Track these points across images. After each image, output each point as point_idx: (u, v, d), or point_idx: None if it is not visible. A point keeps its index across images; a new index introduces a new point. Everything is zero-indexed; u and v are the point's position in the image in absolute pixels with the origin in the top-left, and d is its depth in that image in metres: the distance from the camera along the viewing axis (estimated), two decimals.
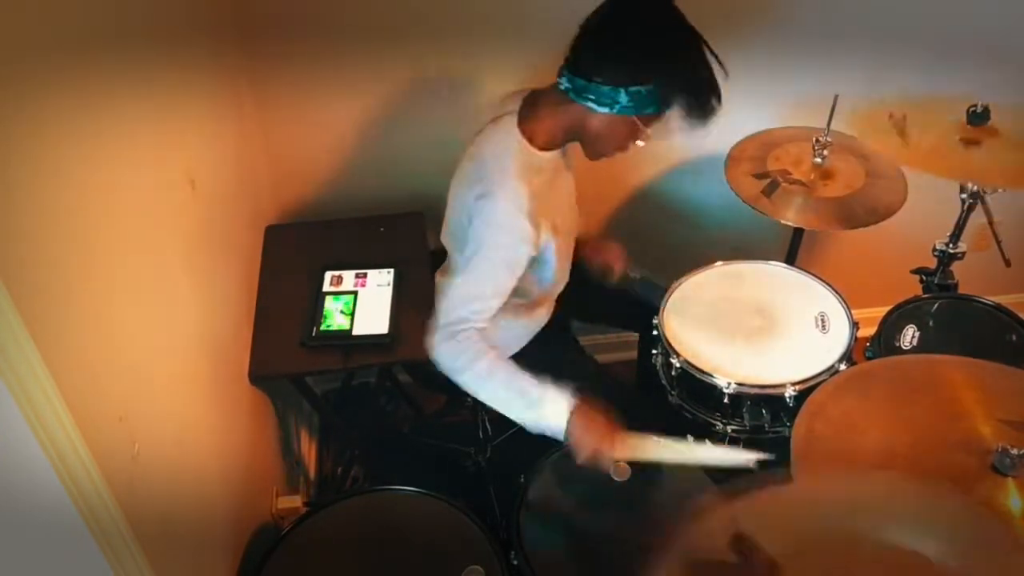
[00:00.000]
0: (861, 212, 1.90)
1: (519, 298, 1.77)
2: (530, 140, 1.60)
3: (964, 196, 1.93)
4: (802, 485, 1.18)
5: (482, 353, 1.59)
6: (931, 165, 1.77)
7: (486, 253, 1.59)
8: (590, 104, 1.51)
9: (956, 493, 1.04)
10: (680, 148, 2.28)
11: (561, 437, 1.55)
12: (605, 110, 1.51)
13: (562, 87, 1.53)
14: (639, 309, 1.87)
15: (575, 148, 1.69)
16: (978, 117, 1.70)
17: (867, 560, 0.99)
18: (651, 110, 1.51)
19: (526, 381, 1.58)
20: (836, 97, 1.91)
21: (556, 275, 1.77)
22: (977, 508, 1.04)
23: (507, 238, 1.58)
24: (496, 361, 1.60)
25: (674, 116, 1.53)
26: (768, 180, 1.99)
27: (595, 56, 1.49)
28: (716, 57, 1.51)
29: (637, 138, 1.57)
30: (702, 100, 1.50)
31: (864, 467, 1.15)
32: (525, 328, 1.86)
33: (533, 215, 1.57)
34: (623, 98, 1.49)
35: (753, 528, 1.02)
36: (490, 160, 1.60)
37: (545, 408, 1.56)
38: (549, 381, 1.58)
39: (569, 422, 1.54)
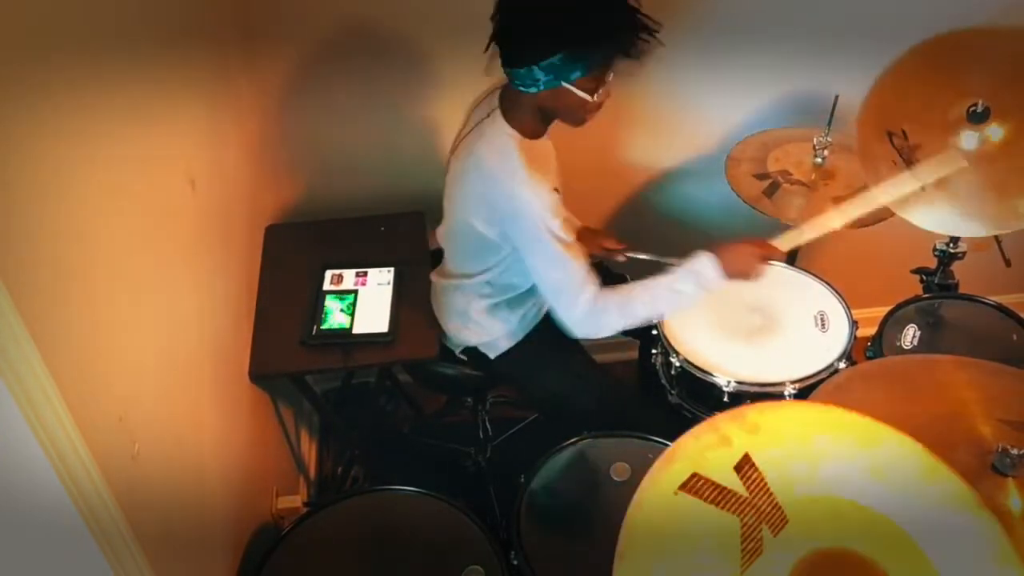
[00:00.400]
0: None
1: (510, 292, 1.79)
2: (522, 133, 1.62)
3: None
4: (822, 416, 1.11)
5: (622, 302, 1.64)
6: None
7: (547, 235, 1.59)
8: (520, 87, 1.54)
9: (973, 493, 1.02)
10: (681, 148, 2.28)
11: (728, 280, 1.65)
12: (534, 89, 1.52)
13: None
14: None
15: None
16: (978, 117, 1.69)
17: (864, 533, 0.98)
18: (577, 74, 1.50)
19: (667, 282, 1.65)
20: (836, 97, 1.91)
21: None
22: (990, 515, 1.02)
23: (555, 217, 1.59)
24: (634, 294, 1.66)
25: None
26: (769, 181, 1.99)
27: (504, 43, 1.51)
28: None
29: (593, 98, 1.54)
30: (625, 41, 1.48)
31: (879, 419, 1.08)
32: (521, 321, 1.85)
33: (552, 187, 1.60)
34: (540, 74, 1.49)
35: (761, 461, 0.99)
36: (497, 166, 1.59)
37: (702, 281, 1.64)
38: (677, 267, 1.68)
39: (722, 268, 1.63)
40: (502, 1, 1.51)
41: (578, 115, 1.60)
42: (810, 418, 1.07)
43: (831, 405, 1.08)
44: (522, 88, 1.53)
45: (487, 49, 1.53)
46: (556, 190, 1.62)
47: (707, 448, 0.99)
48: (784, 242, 1.68)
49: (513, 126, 1.61)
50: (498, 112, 1.63)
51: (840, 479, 1.00)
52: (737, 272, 1.64)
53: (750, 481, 0.98)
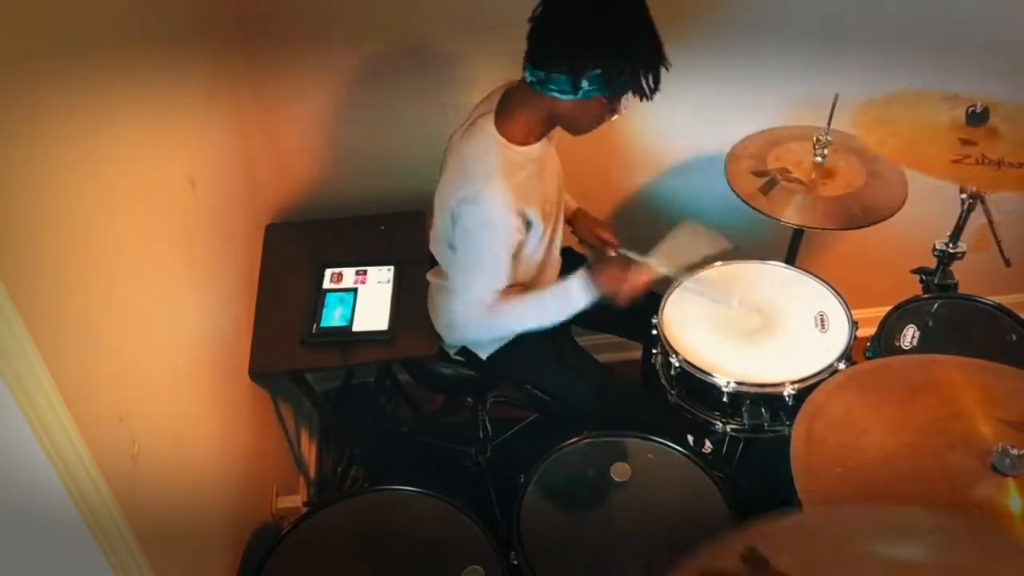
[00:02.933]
0: (859, 212, 1.90)
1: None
2: (509, 138, 1.62)
3: (964, 196, 1.93)
4: (812, 512, 1.18)
5: (502, 313, 1.72)
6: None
7: (484, 251, 1.64)
8: (554, 94, 1.54)
9: (966, 517, 1.04)
10: (681, 148, 2.28)
11: (597, 301, 1.74)
12: (569, 97, 1.53)
13: (527, 80, 1.56)
14: (643, 318, 1.88)
15: (558, 130, 1.71)
16: (977, 118, 1.69)
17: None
18: (614, 89, 1.53)
19: (543, 298, 1.76)
20: (836, 96, 1.91)
21: (543, 252, 1.79)
22: (986, 530, 1.03)
23: (499, 234, 1.62)
24: (512, 306, 1.74)
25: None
26: (766, 178, 1.99)
27: (548, 47, 1.51)
28: (655, 31, 1.52)
29: (611, 112, 1.59)
30: (653, 75, 1.53)
31: (874, 498, 1.15)
32: None
33: (519, 209, 1.61)
34: (583, 83, 1.51)
35: (765, 547, 1.01)
36: (471, 163, 1.61)
37: (571, 300, 1.73)
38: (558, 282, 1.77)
39: (593, 288, 1.72)
40: (556, 5, 1.50)
41: (592, 126, 1.63)
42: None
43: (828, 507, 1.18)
44: (557, 94, 1.53)
45: (531, 49, 1.54)
46: (521, 215, 1.62)
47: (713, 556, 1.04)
48: (648, 273, 1.76)
49: (502, 130, 1.62)
50: (490, 115, 1.64)
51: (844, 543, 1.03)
52: (604, 291, 1.73)
53: (755, 565, 1.01)
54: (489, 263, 1.66)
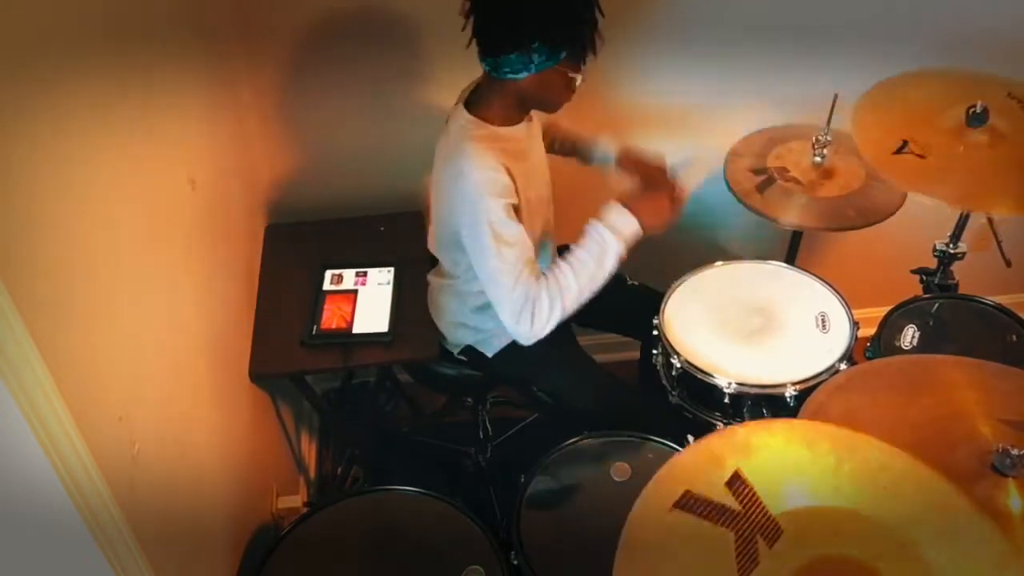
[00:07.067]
0: (853, 214, 1.90)
1: None
2: (485, 119, 1.63)
3: None
4: (802, 430, 1.14)
5: (555, 294, 1.59)
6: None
7: (489, 222, 1.56)
8: (509, 76, 1.54)
9: (953, 488, 1.04)
10: (683, 147, 2.28)
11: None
12: (524, 73, 1.54)
13: (485, 71, 1.58)
14: (640, 315, 1.87)
15: (537, 119, 1.72)
16: (977, 118, 1.69)
17: (858, 538, 0.99)
18: (564, 54, 1.52)
19: (587, 255, 1.61)
20: (836, 97, 1.90)
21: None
22: (973, 508, 1.03)
23: (495, 196, 1.56)
24: (560, 280, 1.60)
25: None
26: (764, 176, 1.99)
27: (488, 32, 1.52)
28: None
29: (575, 79, 1.57)
30: (588, 37, 1.52)
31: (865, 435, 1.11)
32: None
33: (506, 168, 1.58)
34: (534, 57, 1.51)
35: (751, 477, 1.00)
36: (452, 147, 1.62)
37: (625, 243, 1.62)
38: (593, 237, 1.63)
39: (642, 223, 1.63)
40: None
41: (560, 98, 1.62)
42: (796, 434, 1.10)
43: (815, 421, 1.14)
44: (511, 75, 1.54)
45: (469, 44, 1.54)
46: (509, 171, 1.57)
47: (698, 466, 1.02)
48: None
49: (476, 114, 1.62)
50: (460, 106, 1.66)
51: (829, 488, 1.02)
52: (655, 225, 1.66)
53: (742, 496, 0.99)
54: (501, 230, 1.56)
